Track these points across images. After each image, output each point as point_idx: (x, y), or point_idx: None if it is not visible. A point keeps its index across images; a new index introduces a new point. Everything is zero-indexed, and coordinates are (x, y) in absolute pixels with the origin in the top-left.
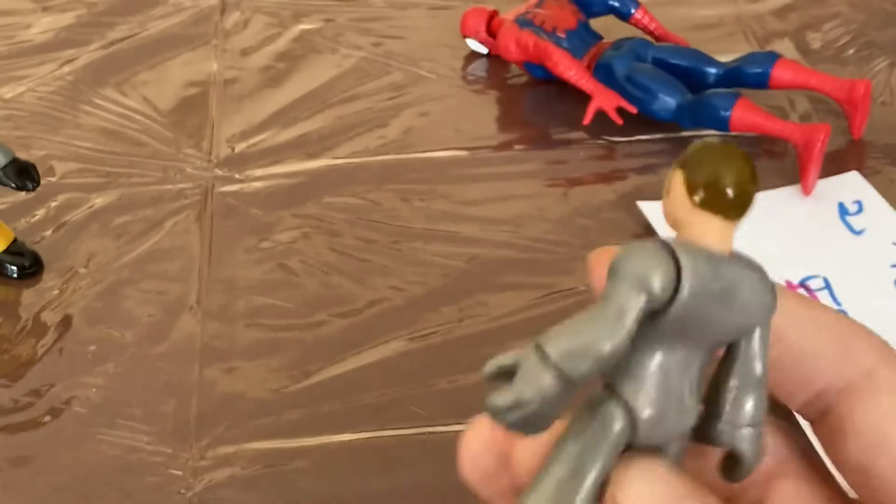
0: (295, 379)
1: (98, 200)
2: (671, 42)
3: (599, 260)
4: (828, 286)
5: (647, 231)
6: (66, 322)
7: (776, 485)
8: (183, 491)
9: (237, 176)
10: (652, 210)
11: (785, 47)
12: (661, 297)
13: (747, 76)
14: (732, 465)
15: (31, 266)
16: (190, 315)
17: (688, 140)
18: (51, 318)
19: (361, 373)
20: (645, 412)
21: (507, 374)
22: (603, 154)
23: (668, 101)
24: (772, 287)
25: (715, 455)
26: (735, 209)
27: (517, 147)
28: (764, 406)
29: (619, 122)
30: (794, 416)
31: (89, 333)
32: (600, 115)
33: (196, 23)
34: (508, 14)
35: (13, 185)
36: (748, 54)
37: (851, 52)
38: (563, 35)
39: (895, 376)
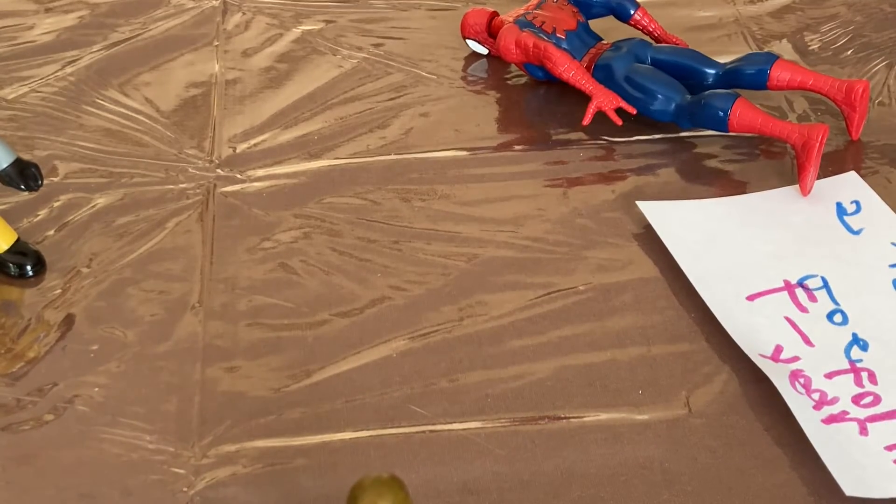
0: (296, 378)
1: (100, 200)
2: (670, 43)
3: None
4: (826, 286)
5: (647, 230)
6: (68, 321)
7: None
8: (185, 489)
9: (239, 176)
10: (651, 210)
11: (783, 48)
12: None
13: (746, 77)
14: None
15: (33, 266)
16: (192, 314)
17: (687, 140)
18: (53, 317)
19: (362, 372)
20: None
21: None
22: (602, 154)
23: (667, 101)
24: None
25: None
26: None
27: (517, 147)
28: None
29: (619, 122)
30: None
31: (92, 333)
32: (600, 115)
33: (198, 24)
34: (508, 15)
35: (16, 185)
36: (747, 55)
37: (849, 53)
38: (562, 36)
39: None
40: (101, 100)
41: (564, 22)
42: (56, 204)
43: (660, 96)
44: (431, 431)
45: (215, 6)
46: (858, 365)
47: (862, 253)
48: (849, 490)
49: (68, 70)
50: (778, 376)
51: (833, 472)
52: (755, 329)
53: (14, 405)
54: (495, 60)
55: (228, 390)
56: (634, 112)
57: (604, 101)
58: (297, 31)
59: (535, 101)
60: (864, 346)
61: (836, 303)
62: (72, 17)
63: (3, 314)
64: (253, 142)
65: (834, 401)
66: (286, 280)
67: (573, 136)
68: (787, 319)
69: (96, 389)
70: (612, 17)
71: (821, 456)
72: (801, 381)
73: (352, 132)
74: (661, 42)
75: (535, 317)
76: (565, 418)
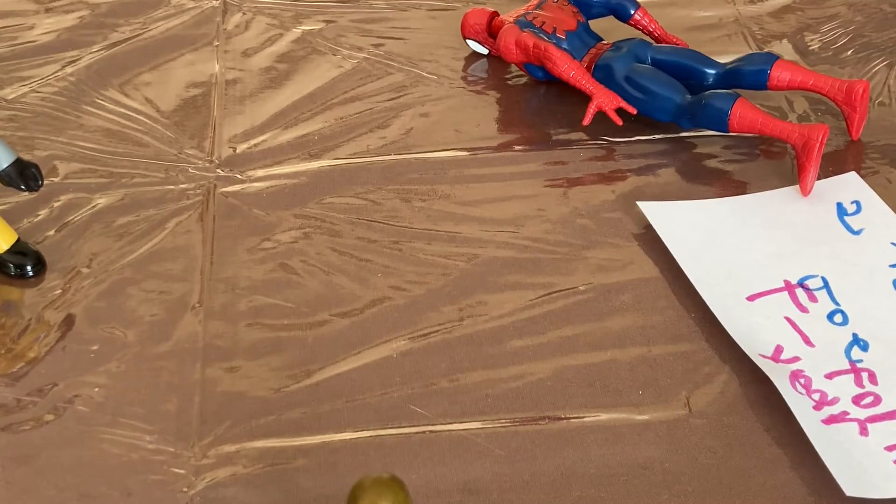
0: (296, 378)
1: (101, 201)
2: (670, 43)
3: None
4: (826, 286)
5: (647, 230)
6: (68, 321)
7: None
8: (185, 489)
9: (239, 176)
10: (651, 210)
11: (784, 48)
12: None
13: (746, 77)
14: None
15: (33, 266)
16: (192, 315)
17: (687, 140)
18: (53, 317)
19: (362, 372)
20: None
21: None
22: (602, 154)
23: (667, 101)
24: None
25: None
26: None
27: (517, 148)
28: None
29: (619, 122)
30: None
31: (92, 333)
32: (600, 115)
33: (198, 24)
34: (508, 15)
35: (16, 185)
36: (747, 55)
37: (850, 53)
38: (563, 36)
39: None
40: (101, 100)
41: (564, 22)
42: (56, 204)
43: (660, 96)
44: (431, 431)
45: (215, 6)
46: (859, 365)
47: (862, 253)
48: (849, 490)
49: (68, 70)
50: (778, 376)
51: (833, 472)
52: (755, 329)
53: (14, 405)
54: (495, 60)
55: (228, 390)
56: (634, 112)
57: (604, 101)
58: (297, 31)
59: (535, 101)
60: (865, 347)
61: (837, 303)
62: (72, 17)
63: (3, 314)
64: (253, 142)
65: (834, 401)
66: (286, 280)
67: (573, 136)
68: (788, 320)
69: (96, 389)
70: (612, 17)
71: (821, 456)
72: (802, 381)
73: (352, 132)
74: (661, 42)
75: (535, 317)
76: (565, 418)
